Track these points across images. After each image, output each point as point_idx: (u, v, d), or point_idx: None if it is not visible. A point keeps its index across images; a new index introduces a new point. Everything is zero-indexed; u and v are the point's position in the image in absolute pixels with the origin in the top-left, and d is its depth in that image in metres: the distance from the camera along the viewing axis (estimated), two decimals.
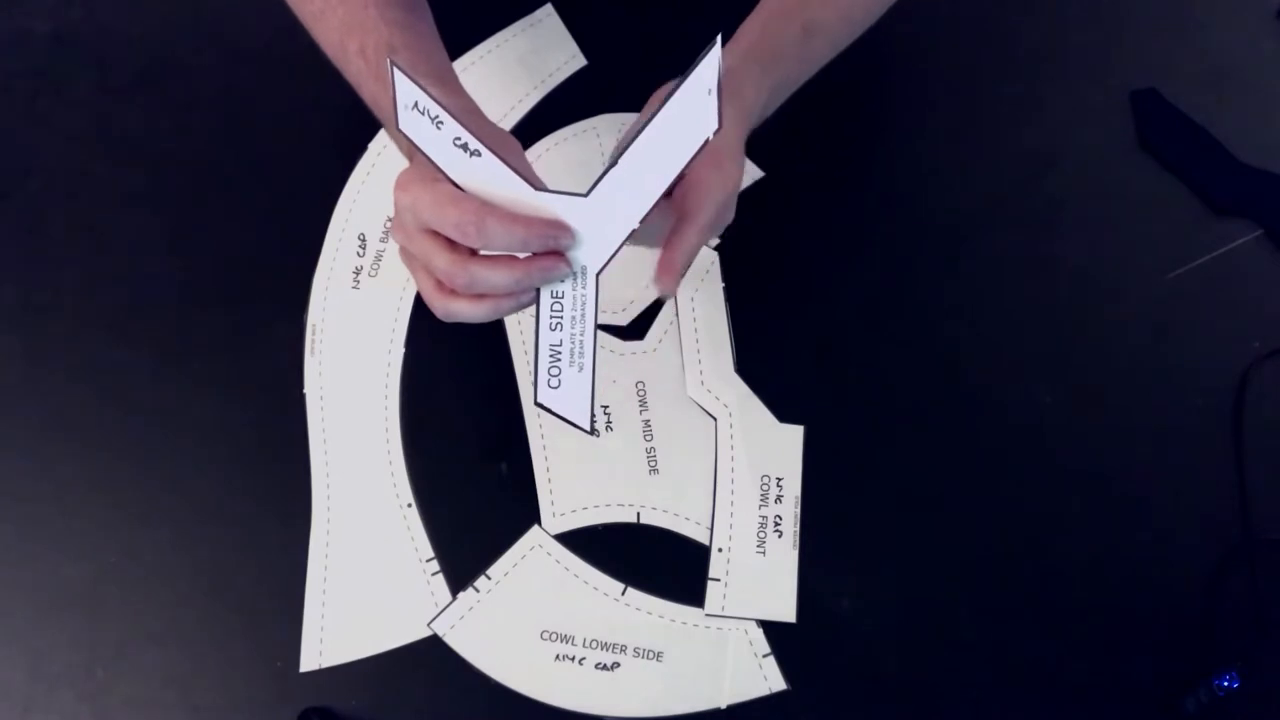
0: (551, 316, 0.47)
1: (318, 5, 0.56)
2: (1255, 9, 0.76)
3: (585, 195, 0.45)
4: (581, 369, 0.47)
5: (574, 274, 0.46)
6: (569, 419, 0.47)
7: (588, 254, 0.46)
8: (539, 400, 0.47)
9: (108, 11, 0.73)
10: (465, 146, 0.44)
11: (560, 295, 0.47)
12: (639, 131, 0.44)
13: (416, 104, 0.44)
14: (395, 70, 0.43)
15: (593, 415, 0.47)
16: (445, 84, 0.55)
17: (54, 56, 0.72)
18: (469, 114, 0.52)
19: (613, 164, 0.44)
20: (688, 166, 0.44)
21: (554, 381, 0.47)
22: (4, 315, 0.65)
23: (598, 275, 0.47)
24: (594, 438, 0.47)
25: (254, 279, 0.66)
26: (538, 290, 0.46)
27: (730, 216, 0.52)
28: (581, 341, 0.47)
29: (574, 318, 0.47)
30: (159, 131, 0.69)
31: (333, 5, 0.56)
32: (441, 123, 0.44)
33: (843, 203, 0.67)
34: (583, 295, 0.47)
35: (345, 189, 0.68)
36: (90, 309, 0.65)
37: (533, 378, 0.47)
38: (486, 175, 0.44)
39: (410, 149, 0.49)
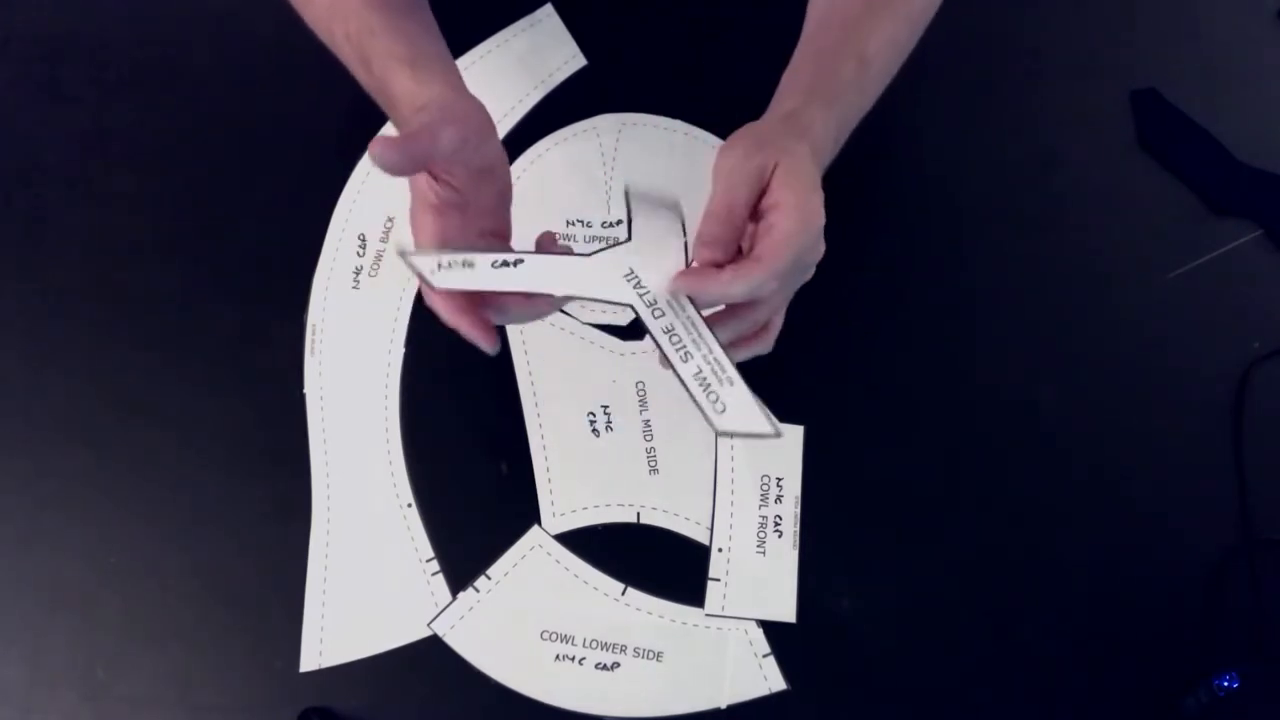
0: (676, 350, 0.46)
1: None
2: (1255, 9, 0.76)
3: (629, 239, 0.47)
4: (733, 383, 0.46)
5: (669, 302, 0.46)
6: (754, 433, 0.46)
7: (663, 282, 0.47)
8: (720, 430, 0.46)
9: (107, 11, 0.73)
10: (506, 263, 0.46)
11: (671, 329, 0.46)
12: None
13: (440, 264, 0.45)
14: (403, 257, 0.45)
15: (770, 419, 0.46)
16: (417, 68, 0.51)
17: (53, 56, 0.71)
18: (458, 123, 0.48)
19: (628, 210, 0.47)
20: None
21: (719, 406, 0.46)
22: (4, 315, 0.65)
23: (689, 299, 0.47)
24: (775, 438, 0.46)
25: (254, 279, 0.66)
26: (651, 335, 0.46)
27: (820, 251, 0.48)
28: (716, 359, 0.46)
29: (695, 340, 0.47)
30: (159, 131, 0.69)
31: None
32: (472, 263, 0.45)
33: (843, 203, 0.66)
34: (688, 318, 0.47)
35: (345, 189, 0.68)
36: (90, 309, 0.65)
37: (700, 413, 0.46)
38: (537, 270, 0.46)
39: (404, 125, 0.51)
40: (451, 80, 0.53)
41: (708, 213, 0.47)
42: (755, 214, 0.47)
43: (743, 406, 0.46)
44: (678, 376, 0.46)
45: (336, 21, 0.54)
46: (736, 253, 0.47)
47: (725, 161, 0.47)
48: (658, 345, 0.46)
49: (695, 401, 0.46)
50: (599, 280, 0.47)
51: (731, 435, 0.47)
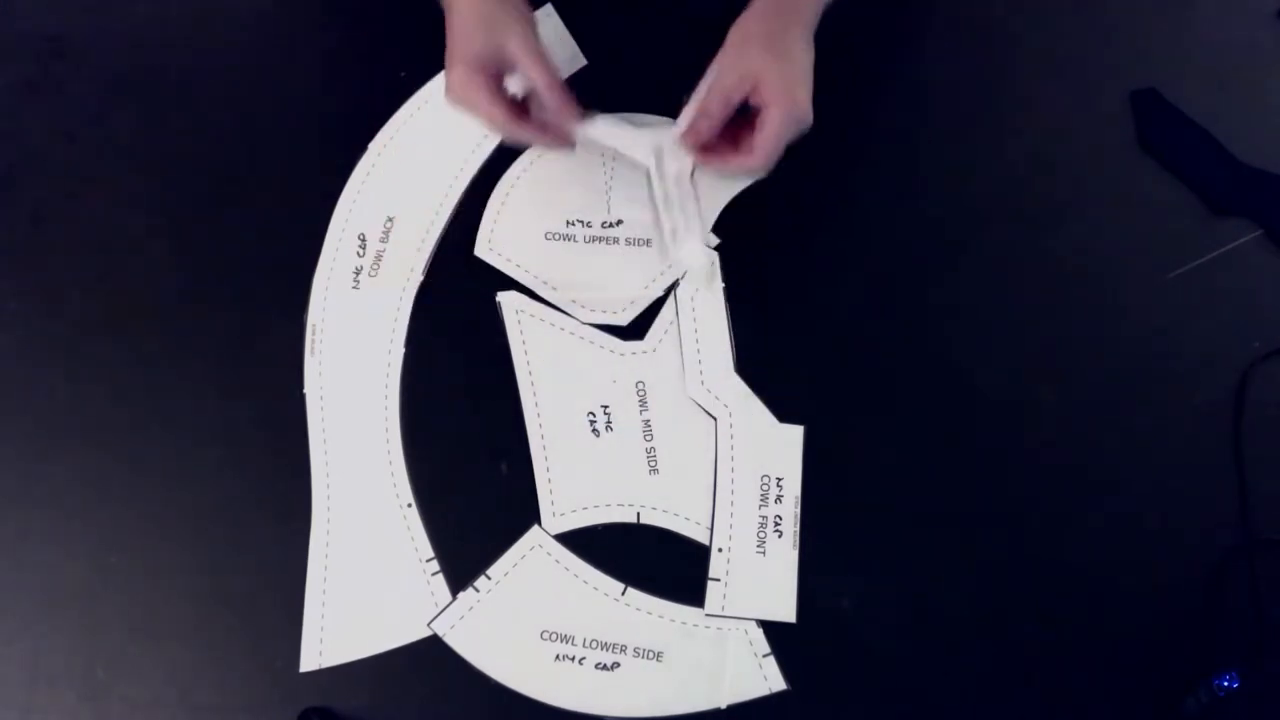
0: (665, 209, 0.63)
1: None
2: (1255, 9, 0.76)
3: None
4: (694, 234, 0.62)
5: (675, 178, 0.63)
6: (696, 265, 0.63)
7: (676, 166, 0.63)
8: (672, 258, 0.64)
9: (107, 12, 0.73)
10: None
11: (667, 195, 0.63)
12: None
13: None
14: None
15: (710, 254, 0.63)
16: None
17: (53, 56, 0.71)
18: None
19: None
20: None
21: (677, 243, 0.63)
22: (3, 315, 0.65)
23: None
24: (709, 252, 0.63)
25: (254, 279, 0.66)
26: (650, 192, 0.64)
27: (807, 123, 0.58)
28: (689, 219, 0.62)
29: (682, 207, 0.63)
30: (159, 131, 0.69)
31: None
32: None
33: (843, 202, 0.66)
34: (684, 191, 0.63)
35: (345, 189, 0.68)
36: (90, 309, 0.65)
37: (660, 243, 0.64)
38: (601, 125, 0.63)
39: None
40: None
41: (709, 94, 0.59)
42: (750, 105, 0.58)
43: (695, 248, 0.62)
44: (656, 224, 0.63)
45: None
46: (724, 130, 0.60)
47: (725, 59, 0.59)
48: (652, 199, 0.63)
49: (661, 237, 0.63)
50: (636, 145, 0.63)
51: (679, 265, 0.63)
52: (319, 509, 0.60)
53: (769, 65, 0.57)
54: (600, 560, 0.60)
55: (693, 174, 0.63)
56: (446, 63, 0.58)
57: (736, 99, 0.58)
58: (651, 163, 0.63)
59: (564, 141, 0.62)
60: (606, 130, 0.63)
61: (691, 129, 0.61)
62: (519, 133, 0.60)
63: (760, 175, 0.61)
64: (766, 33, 0.59)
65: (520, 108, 0.61)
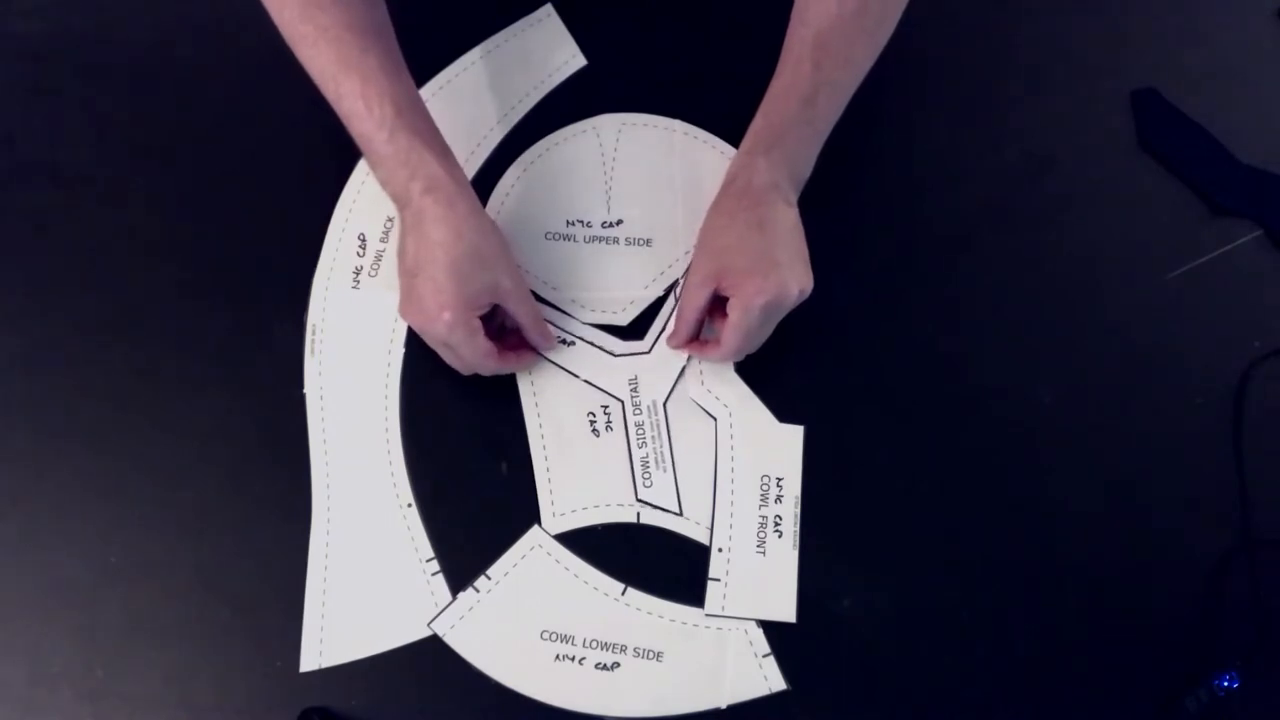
0: (637, 438, 0.62)
1: (309, 30, 0.56)
2: (1255, 9, 0.76)
3: (648, 352, 0.64)
4: (665, 470, 0.61)
5: (649, 405, 0.62)
6: (663, 507, 0.61)
7: (654, 390, 0.63)
8: (639, 497, 0.61)
9: (106, 11, 0.73)
10: (566, 342, 0.63)
11: (641, 424, 0.62)
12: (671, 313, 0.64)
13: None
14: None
15: (679, 501, 0.61)
16: (447, 155, 0.59)
17: (52, 56, 0.71)
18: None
19: (663, 329, 0.64)
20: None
21: (648, 482, 0.61)
22: (4, 315, 0.65)
23: (665, 404, 0.62)
24: (679, 516, 0.61)
25: (254, 279, 0.65)
26: (626, 420, 0.62)
27: (788, 297, 0.57)
28: (662, 452, 0.61)
29: (653, 436, 0.62)
30: (159, 131, 0.69)
31: (328, 37, 0.56)
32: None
33: (842, 202, 0.66)
34: (656, 420, 0.62)
35: (345, 189, 0.68)
36: (90, 309, 0.65)
37: (632, 482, 0.61)
38: (578, 353, 0.63)
39: (397, 192, 0.58)
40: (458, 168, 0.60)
41: (681, 296, 0.62)
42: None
43: (664, 487, 0.61)
44: (629, 454, 0.62)
45: (348, 76, 0.56)
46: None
47: (693, 259, 0.62)
48: (626, 429, 0.62)
49: (632, 473, 0.61)
50: (612, 377, 0.63)
51: (646, 504, 0.61)
52: (319, 509, 0.60)
53: (730, 258, 0.58)
54: (600, 560, 0.60)
55: (666, 403, 0.62)
56: (427, 297, 0.55)
57: (704, 296, 0.59)
58: (626, 394, 0.62)
59: (538, 362, 0.63)
60: (584, 360, 0.63)
61: (673, 333, 0.62)
62: (504, 367, 0.60)
63: (741, 357, 0.61)
64: (727, 222, 0.59)
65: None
